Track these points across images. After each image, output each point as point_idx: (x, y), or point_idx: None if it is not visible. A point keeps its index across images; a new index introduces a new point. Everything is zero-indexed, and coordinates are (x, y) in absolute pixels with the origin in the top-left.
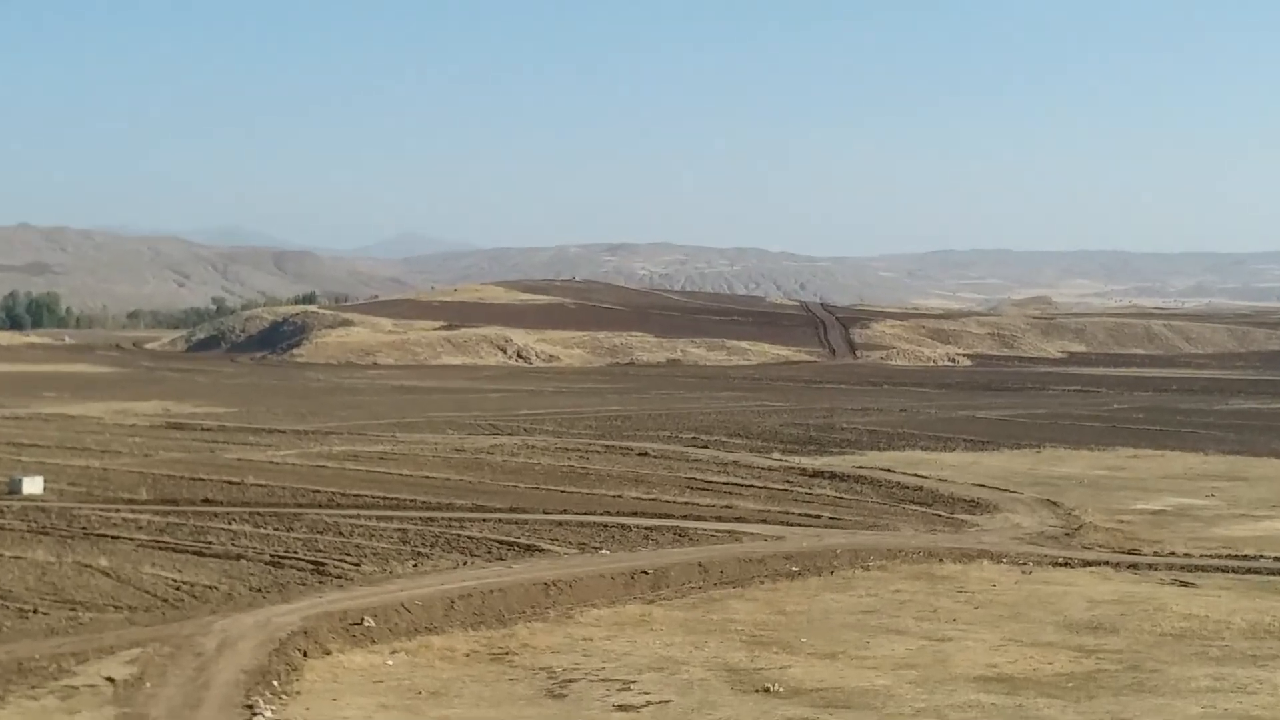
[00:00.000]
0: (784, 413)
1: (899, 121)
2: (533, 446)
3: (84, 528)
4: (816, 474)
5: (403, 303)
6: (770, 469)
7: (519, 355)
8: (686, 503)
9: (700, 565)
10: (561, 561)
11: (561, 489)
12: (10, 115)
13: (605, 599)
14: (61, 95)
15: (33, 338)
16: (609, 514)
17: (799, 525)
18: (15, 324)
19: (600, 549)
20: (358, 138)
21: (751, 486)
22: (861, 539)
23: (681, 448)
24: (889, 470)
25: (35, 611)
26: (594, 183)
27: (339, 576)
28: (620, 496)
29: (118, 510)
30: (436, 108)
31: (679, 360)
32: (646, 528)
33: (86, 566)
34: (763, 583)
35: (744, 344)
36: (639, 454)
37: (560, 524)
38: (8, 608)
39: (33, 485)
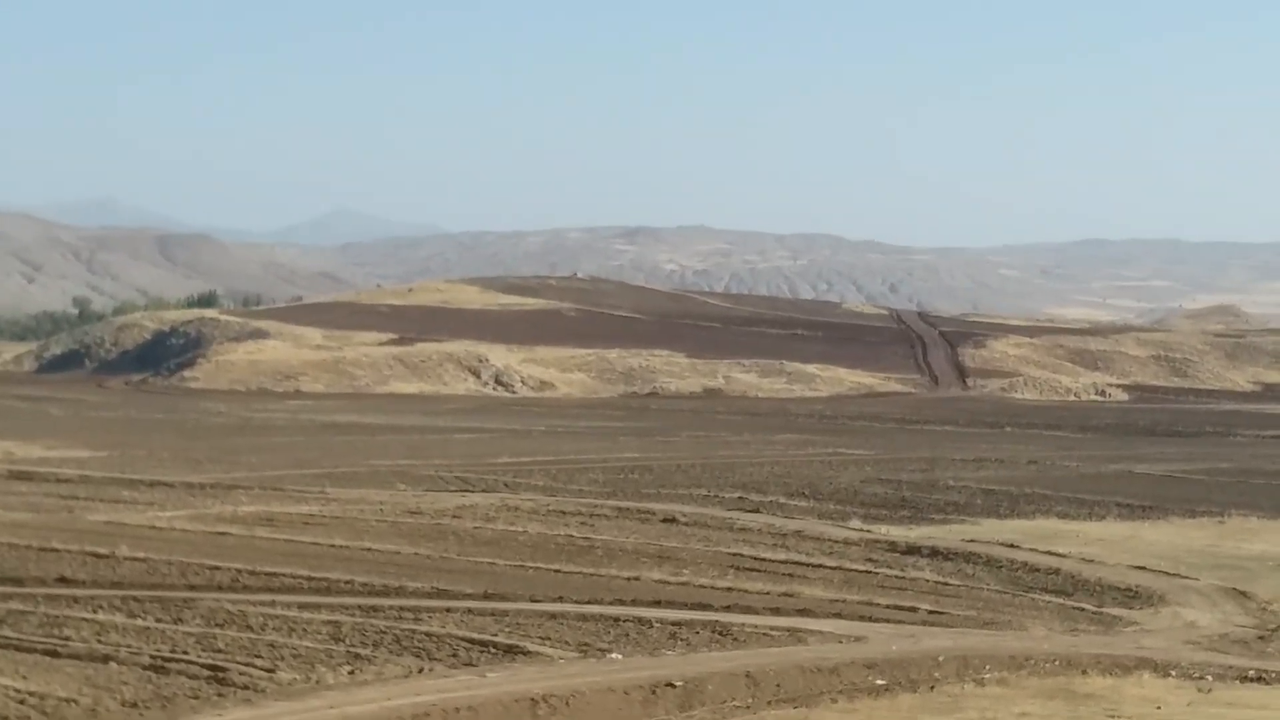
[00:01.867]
0: (866, 464)
1: (1032, 70)
2: (516, 508)
3: None
4: (911, 550)
5: (338, 306)
6: (847, 543)
7: (498, 381)
8: (730, 588)
9: (749, 676)
10: (555, 669)
11: (556, 568)
12: None
13: None
14: None
15: None
16: (621, 603)
17: (886, 621)
18: None
19: (609, 652)
20: (275, 83)
21: (821, 567)
22: (973, 641)
23: (723, 512)
24: (1013, 546)
25: None
26: (603, 144)
27: (245, 687)
28: (637, 579)
29: None
30: (383, 41)
31: (720, 390)
32: (674, 623)
33: None
34: (835, 700)
35: (810, 368)
36: (664, 520)
37: (554, 616)
38: None
39: None
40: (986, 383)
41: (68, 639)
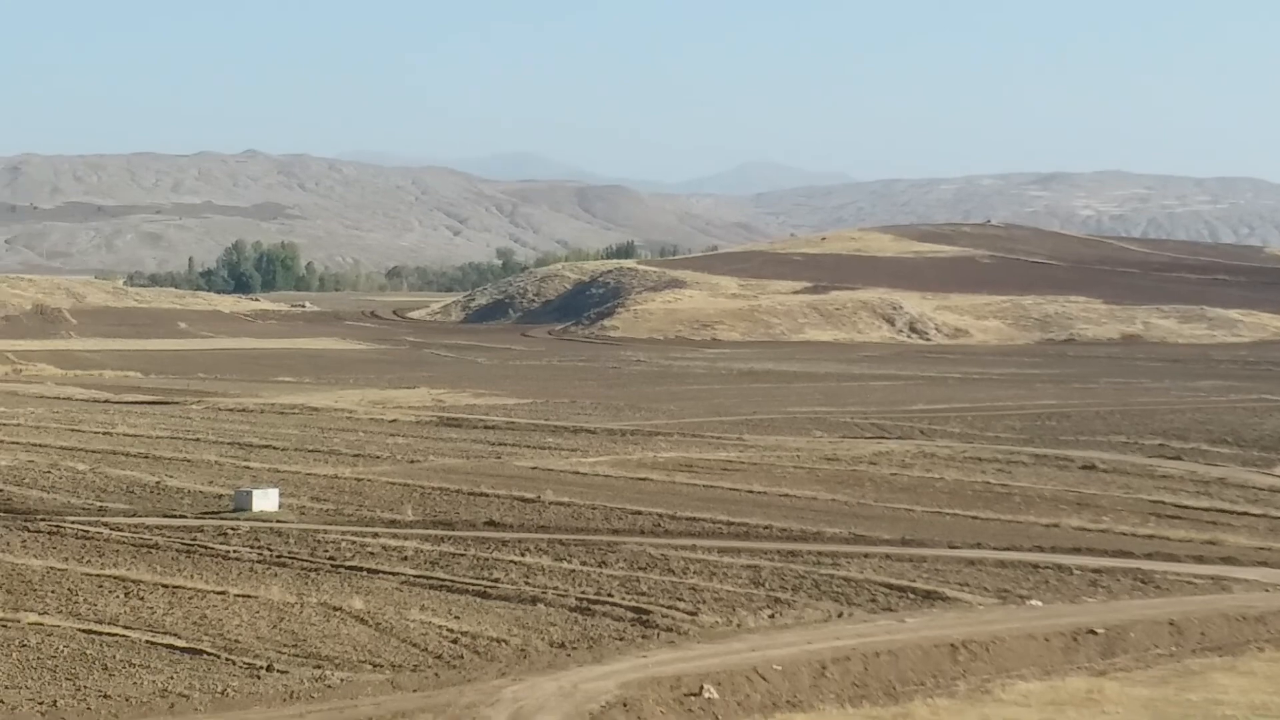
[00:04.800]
0: None
1: None
2: (932, 455)
3: (331, 558)
4: None
5: (752, 255)
6: (1273, 490)
7: (912, 329)
8: (1151, 535)
9: (1172, 624)
10: (974, 615)
11: (973, 514)
12: (235, 19)
13: (1037, 668)
14: None
15: (264, 303)
16: (1040, 550)
17: None
18: (241, 285)
19: (1029, 598)
20: (688, 34)
21: (1246, 515)
22: None
23: (1143, 459)
24: None
25: (269, 669)
26: (1013, 86)
27: (669, 629)
28: (1056, 526)
29: (375, 535)
30: None
31: (1138, 336)
32: (1094, 570)
33: (336, 610)
34: (1262, 650)
35: (1233, 313)
36: (1083, 467)
37: (972, 563)
38: (234, 662)
39: (265, 500)
40: None
41: (497, 581)
